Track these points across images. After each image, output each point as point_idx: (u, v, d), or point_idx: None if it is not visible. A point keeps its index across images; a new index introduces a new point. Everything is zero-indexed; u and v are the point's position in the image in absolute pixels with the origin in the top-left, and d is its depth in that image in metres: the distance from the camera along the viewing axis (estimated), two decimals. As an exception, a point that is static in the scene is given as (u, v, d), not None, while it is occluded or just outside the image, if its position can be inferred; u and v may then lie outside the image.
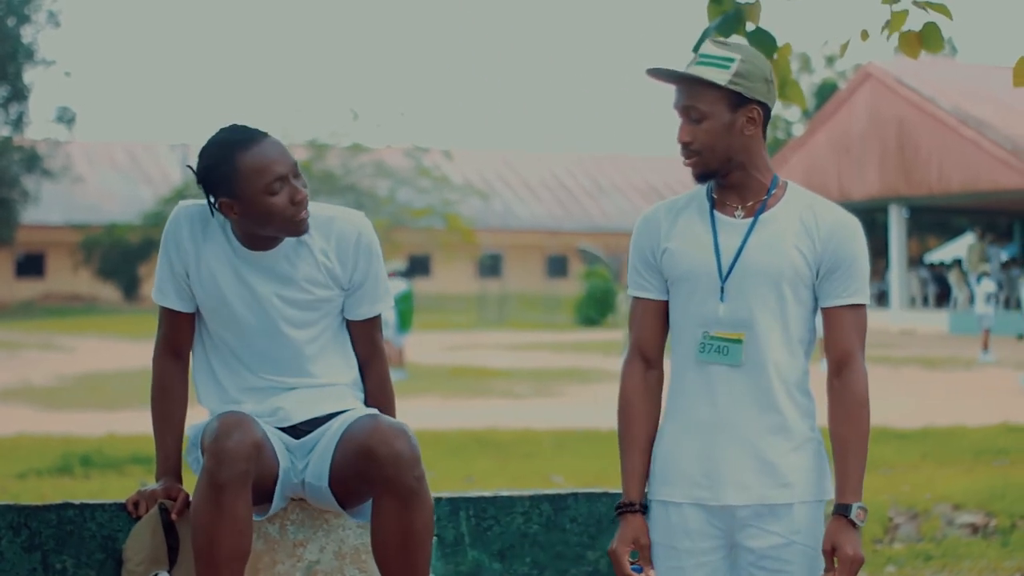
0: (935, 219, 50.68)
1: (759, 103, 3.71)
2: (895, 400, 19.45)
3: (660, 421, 3.85)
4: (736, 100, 3.69)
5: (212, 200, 4.11)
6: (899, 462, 13.14)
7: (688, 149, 3.73)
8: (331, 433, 4.15)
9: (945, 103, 37.72)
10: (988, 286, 29.44)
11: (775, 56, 6.50)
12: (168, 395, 4.31)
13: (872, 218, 45.52)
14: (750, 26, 6.47)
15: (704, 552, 3.77)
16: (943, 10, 6.04)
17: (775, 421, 3.70)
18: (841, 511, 3.64)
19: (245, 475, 3.88)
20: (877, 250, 46.00)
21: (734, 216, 3.77)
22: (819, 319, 3.80)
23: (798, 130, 56.47)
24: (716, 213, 3.79)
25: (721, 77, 3.66)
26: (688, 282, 3.77)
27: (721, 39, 3.76)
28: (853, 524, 3.63)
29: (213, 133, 4.13)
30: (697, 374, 3.74)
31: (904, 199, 39.56)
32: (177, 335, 4.31)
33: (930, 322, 37.93)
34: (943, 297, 41.38)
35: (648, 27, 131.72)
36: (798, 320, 3.74)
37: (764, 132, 3.77)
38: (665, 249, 3.81)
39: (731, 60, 3.68)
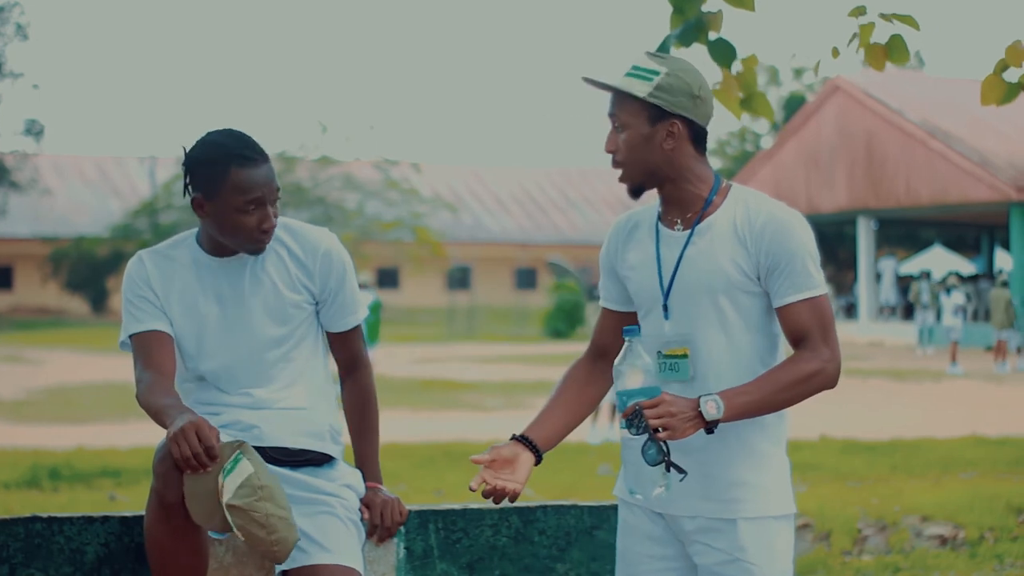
0: (903, 231, 50.86)
1: (682, 118, 3.66)
2: (863, 412, 19.50)
3: None
4: (656, 113, 3.65)
5: (190, 189, 4.12)
6: (868, 474, 13.16)
7: (613, 159, 3.73)
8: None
9: (913, 116, 37.89)
10: (957, 298, 29.54)
11: (734, 66, 6.49)
12: (154, 390, 3.98)
13: (841, 230, 45.71)
14: (712, 35, 6.47)
15: (660, 559, 3.78)
16: (910, 21, 6.06)
17: (723, 434, 3.61)
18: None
19: None
20: (845, 262, 46.17)
21: (674, 230, 3.74)
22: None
23: (767, 143, 56.61)
24: (660, 227, 3.77)
25: (642, 89, 3.64)
26: (640, 299, 3.80)
27: (656, 52, 3.72)
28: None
29: (222, 128, 4.11)
30: (664, 389, 3.69)
31: (872, 211, 39.68)
32: (155, 357, 4.08)
33: (898, 334, 38.03)
34: (911, 309, 41.50)
35: (617, 41, 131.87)
36: (742, 330, 3.67)
37: (701, 147, 3.72)
38: (622, 265, 3.84)
39: (655, 73, 3.65)
